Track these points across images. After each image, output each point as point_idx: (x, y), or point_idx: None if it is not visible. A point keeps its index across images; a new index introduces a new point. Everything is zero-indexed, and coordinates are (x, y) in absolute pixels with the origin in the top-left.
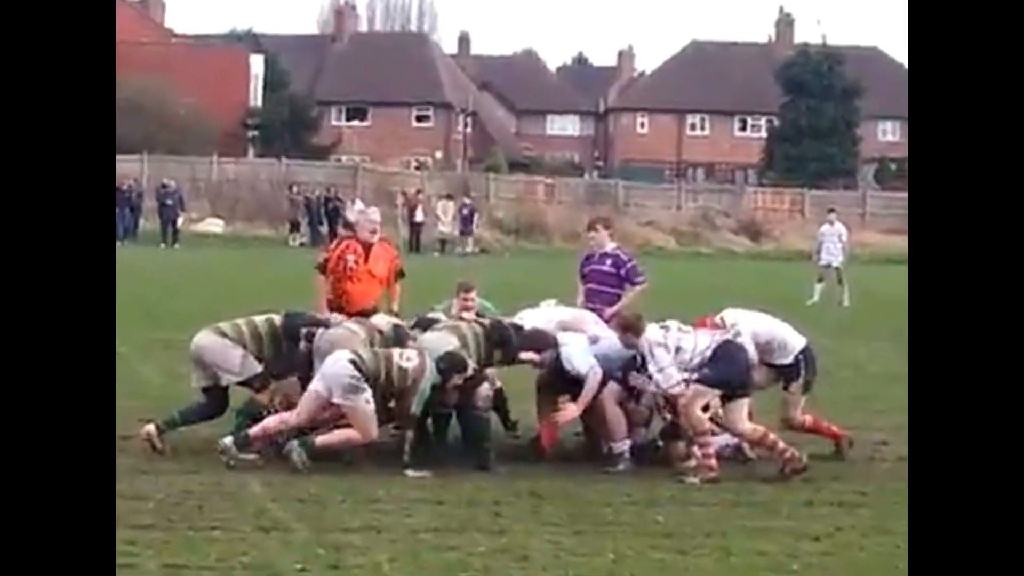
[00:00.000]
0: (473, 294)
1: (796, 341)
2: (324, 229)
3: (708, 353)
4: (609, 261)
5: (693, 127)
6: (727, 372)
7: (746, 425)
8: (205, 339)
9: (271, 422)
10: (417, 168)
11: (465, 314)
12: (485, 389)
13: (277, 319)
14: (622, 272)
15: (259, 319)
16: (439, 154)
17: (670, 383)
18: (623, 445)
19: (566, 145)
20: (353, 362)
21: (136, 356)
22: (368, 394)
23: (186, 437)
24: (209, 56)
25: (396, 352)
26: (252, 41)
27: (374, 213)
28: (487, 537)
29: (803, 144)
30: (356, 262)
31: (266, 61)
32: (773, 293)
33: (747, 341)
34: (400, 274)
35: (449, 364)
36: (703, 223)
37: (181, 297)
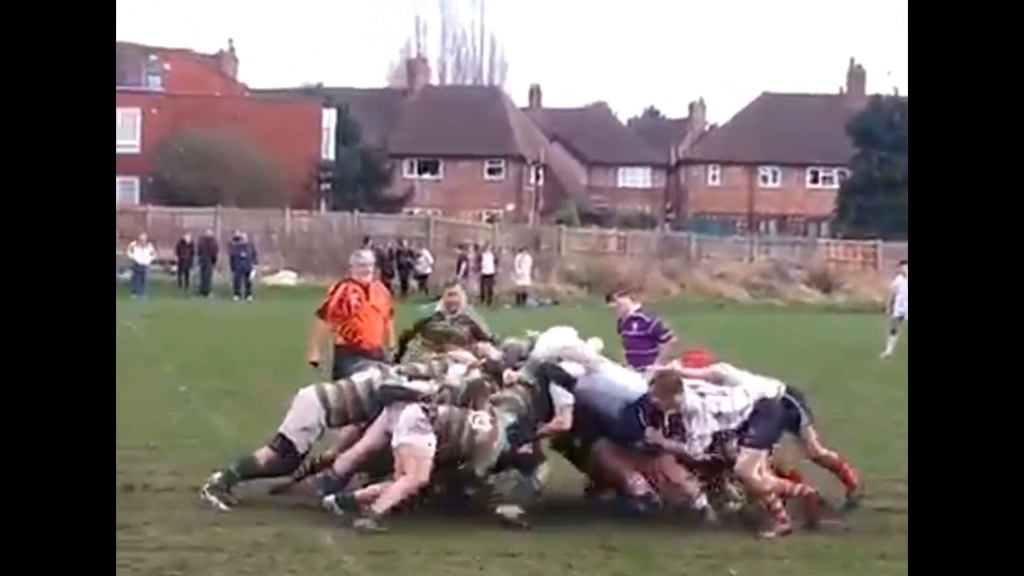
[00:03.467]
0: (456, 288)
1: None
2: (395, 281)
3: (748, 413)
4: (636, 325)
5: (765, 179)
6: (769, 429)
7: (755, 475)
8: (304, 392)
9: (391, 489)
10: (489, 220)
11: (449, 315)
12: (545, 469)
13: (376, 380)
14: (649, 331)
15: (359, 383)
16: (511, 206)
17: (699, 451)
18: (637, 487)
19: (637, 197)
20: (425, 410)
21: (207, 407)
22: (431, 438)
23: (255, 488)
24: (281, 110)
25: (471, 414)
26: (324, 95)
27: (367, 256)
28: None
29: (876, 196)
30: (360, 300)
31: (338, 115)
32: (846, 345)
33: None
34: (391, 312)
35: (518, 433)
36: (775, 275)
37: (253, 349)
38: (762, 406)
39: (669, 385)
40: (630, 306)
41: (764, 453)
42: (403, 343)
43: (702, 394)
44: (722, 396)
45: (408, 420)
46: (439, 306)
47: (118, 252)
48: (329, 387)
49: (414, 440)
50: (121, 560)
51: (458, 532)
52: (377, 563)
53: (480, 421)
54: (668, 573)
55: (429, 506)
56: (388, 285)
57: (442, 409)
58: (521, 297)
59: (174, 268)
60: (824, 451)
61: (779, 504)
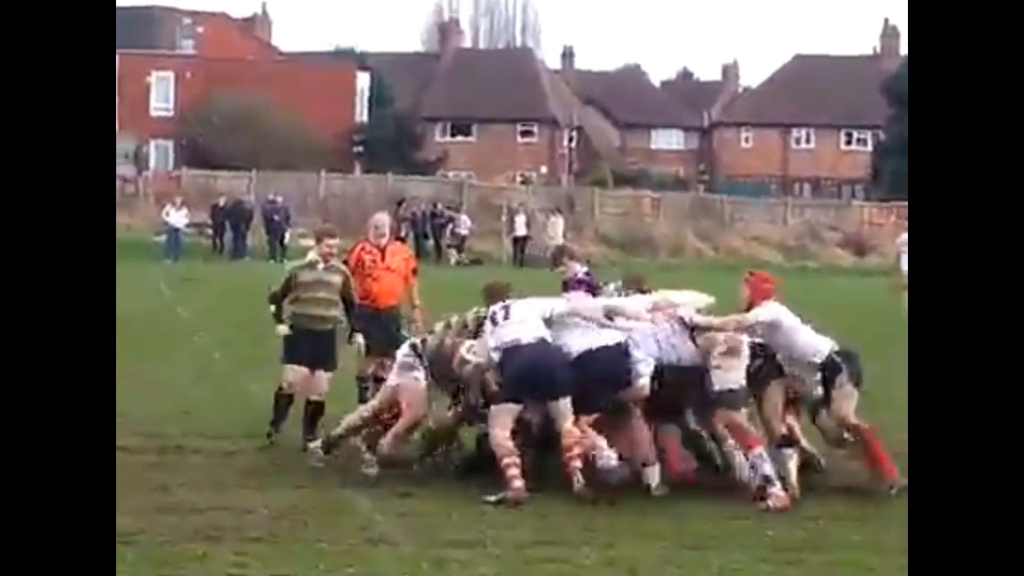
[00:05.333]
0: (336, 241)
1: (823, 345)
2: (429, 243)
3: (496, 358)
4: (583, 288)
5: (798, 141)
6: (510, 385)
7: (496, 432)
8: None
9: (352, 419)
10: (522, 183)
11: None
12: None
13: (470, 316)
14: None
15: (470, 315)
16: (544, 169)
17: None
18: (606, 460)
19: (671, 159)
20: (413, 345)
21: (243, 372)
22: (420, 373)
23: (291, 451)
24: (315, 73)
25: (466, 344)
26: (357, 58)
27: (381, 219)
28: (593, 550)
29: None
30: (374, 261)
31: (371, 78)
32: (881, 308)
33: (764, 327)
34: (414, 271)
35: None
36: (809, 237)
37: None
38: (506, 356)
39: (492, 291)
40: (578, 269)
41: (510, 408)
42: (278, 302)
43: (494, 317)
44: (499, 327)
45: (398, 361)
46: (311, 255)
47: (153, 215)
48: (438, 326)
49: (404, 379)
50: (154, 521)
51: (492, 493)
52: (411, 524)
53: (474, 352)
54: (702, 533)
55: (462, 469)
56: (420, 247)
57: (431, 341)
58: (554, 259)
59: (209, 231)
60: (854, 421)
61: (513, 471)
